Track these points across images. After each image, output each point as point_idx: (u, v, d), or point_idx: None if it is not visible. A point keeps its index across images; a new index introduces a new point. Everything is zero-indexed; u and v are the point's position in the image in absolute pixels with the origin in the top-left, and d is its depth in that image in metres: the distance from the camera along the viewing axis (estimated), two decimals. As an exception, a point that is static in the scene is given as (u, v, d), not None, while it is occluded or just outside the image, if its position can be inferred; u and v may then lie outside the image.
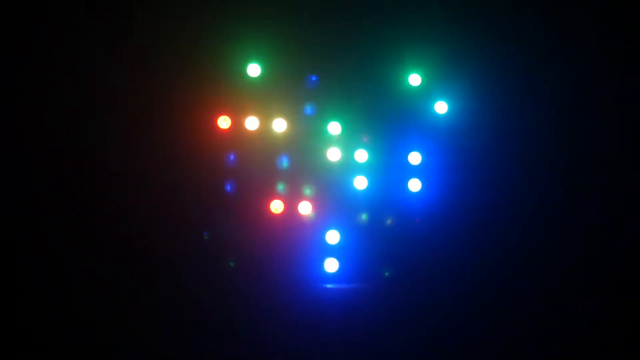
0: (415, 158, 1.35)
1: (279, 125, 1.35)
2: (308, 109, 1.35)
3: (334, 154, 1.34)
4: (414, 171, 1.35)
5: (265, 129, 1.35)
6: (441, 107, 1.37)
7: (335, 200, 1.33)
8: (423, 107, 1.37)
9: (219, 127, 1.34)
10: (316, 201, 1.33)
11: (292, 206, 1.33)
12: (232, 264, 1.31)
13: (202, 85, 1.36)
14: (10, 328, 1.28)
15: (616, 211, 1.37)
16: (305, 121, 1.35)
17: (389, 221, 1.33)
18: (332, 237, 1.32)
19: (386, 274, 1.31)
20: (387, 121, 1.36)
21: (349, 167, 1.35)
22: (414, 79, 1.37)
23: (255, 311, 1.30)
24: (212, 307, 1.30)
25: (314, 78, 1.34)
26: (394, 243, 1.33)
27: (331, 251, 1.32)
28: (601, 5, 1.41)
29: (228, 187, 1.33)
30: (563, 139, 1.39)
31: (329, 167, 1.34)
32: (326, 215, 1.33)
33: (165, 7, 1.38)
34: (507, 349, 1.32)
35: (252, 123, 1.35)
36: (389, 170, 1.35)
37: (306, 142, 1.35)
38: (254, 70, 1.36)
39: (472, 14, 1.41)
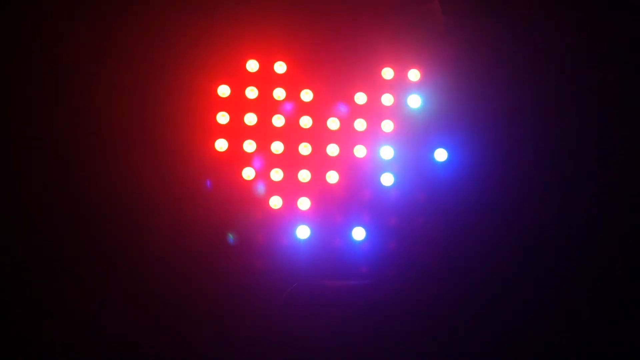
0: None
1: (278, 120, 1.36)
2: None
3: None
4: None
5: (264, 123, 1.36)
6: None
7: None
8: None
9: (217, 122, 1.35)
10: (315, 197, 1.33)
11: (291, 202, 1.32)
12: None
13: (200, 81, 1.37)
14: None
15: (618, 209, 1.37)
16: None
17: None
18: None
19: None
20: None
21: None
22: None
23: (253, 309, 1.29)
24: (209, 306, 1.29)
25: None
26: (393, 240, 1.33)
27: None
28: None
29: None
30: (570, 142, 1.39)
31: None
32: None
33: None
34: (509, 348, 1.30)
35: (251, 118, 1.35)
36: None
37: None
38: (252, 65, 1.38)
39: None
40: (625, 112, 1.39)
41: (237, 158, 1.34)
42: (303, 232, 1.30)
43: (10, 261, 1.31)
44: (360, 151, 1.35)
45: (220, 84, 1.36)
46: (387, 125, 1.36)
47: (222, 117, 1.35)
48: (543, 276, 1.32)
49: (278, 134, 1.35)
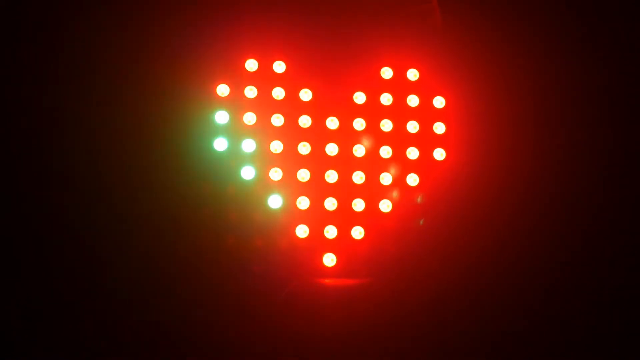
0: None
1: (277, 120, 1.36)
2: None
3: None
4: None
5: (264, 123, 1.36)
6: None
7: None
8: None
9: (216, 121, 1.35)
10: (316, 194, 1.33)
11: (290, 201, 1.32)
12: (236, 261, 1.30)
13: (199, 80, 1.37)
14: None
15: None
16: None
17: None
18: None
19: (421, 222, 1.30)
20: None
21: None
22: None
23: (250, 309, 1.29)
24: (207, 306, 1.29)
25: None
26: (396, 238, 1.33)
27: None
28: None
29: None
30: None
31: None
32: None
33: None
34: (509, 349, 1.30)
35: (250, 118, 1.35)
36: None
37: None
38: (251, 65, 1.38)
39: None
40: (627, 112, 1.40)
41: (236, 157, 1.34)
42: (301, 230, 1.30)
43: (9, 261, 1.30)
44: (359, 151, 1.35)
45: (219, 83, 1.36)
46: (386, 125, 1.36)
47: (221, 116, 1.35)
48: (544, 276, 1.33)
49: (277, 133, 1.35)
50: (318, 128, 1.36)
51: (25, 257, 1.29)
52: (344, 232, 1.31)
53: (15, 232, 1.30)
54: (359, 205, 1.32)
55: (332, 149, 1.34)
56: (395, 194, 1.33)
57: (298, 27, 1.41)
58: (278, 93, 1.37)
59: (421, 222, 1.33)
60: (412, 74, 1.39)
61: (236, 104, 1.36)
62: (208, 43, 1.39)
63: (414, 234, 1.33)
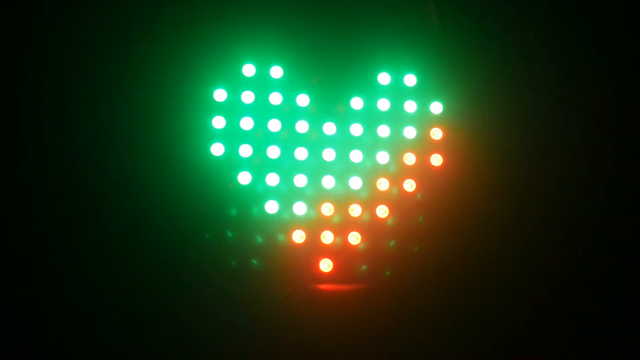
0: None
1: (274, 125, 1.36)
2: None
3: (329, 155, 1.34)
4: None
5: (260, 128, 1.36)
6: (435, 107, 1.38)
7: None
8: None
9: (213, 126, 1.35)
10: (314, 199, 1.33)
11: (287, 206, 1.32)
12: (233, 264, 1.30)
13: (196, 85, 1.38)
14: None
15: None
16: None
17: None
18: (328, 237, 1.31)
19: (420, 218, 1.30)
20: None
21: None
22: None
23: (246, 314, 1.28)
24: (202, 311, 1.28)
25: None
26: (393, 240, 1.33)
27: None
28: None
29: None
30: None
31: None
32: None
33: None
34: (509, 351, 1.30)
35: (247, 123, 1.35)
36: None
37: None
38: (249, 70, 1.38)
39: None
40: (628, 117, 1.41)
41: (233, 162, 1.34)
42: (298, 236, 1.30)
43: (10, 261, 1.30)
44: (356, 156, 1.35)
45: (217, 88, 1.36)
46: (383, 130, 1.36)
47: (218, 121, 1.35)
48: (544, 282, 1.32)
49: (274, 138, 1.35)
50: (315, 133, 1.36)
51: (24, 258, 1.30)
52: (341, 237, 1.31)
53: (14, 232, 1.30)
54: (355, 210, 1.32)
55: (329, 155, 1.34)
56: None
57: (295, 32, 1.41)
58: (275, 98, 1.37)
59: (420, 218, 1.33)
60: (410, 80, 1.39)
61: (233, 109, 1.36)
62: (205, 48, 1.39)
63: (411, 239, 1.33)
